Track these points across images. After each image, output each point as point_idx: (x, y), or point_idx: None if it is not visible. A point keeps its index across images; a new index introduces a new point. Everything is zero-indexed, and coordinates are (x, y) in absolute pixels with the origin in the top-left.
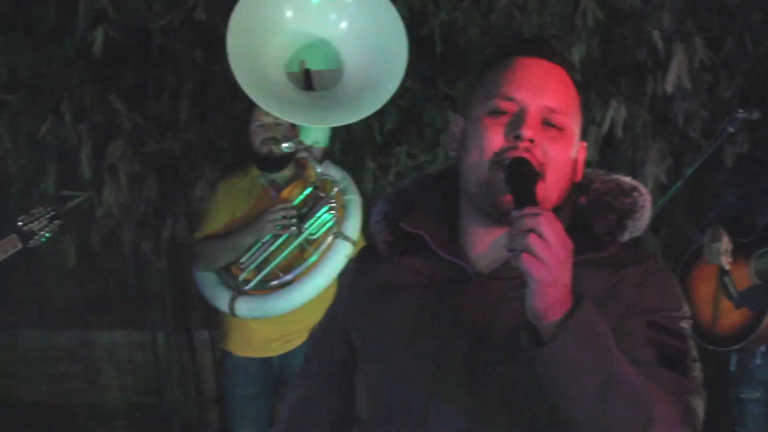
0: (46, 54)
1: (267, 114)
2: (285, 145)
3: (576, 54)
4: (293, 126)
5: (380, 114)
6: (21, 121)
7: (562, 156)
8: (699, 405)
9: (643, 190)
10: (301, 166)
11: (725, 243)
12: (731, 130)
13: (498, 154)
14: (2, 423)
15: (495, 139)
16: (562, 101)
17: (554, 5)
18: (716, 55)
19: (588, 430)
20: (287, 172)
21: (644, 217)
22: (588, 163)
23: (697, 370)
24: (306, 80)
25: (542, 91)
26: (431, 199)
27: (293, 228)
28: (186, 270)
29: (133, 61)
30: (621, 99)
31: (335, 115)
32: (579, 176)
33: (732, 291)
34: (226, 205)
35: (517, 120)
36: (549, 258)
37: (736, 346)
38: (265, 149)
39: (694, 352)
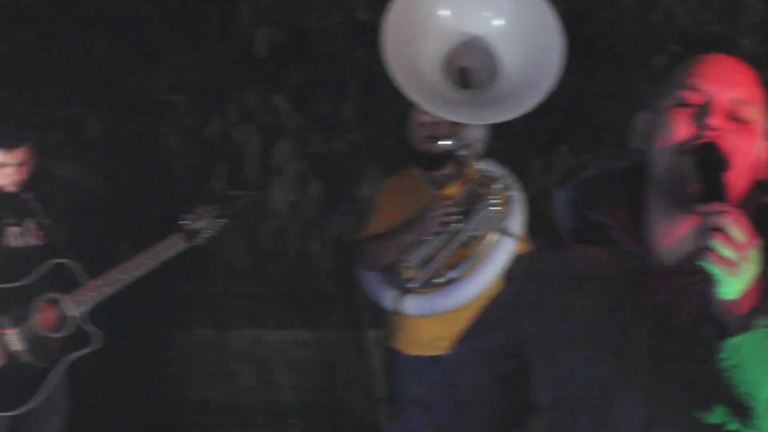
0: (210, 55)
1: (426, 112)
2: (444, 143)
3: (744, 48)
4: (453, 124)
5: (541, 111)
6: (187, 121)
7: (747, 148)
8: None
9: None
10: (461, 164)
11: None
12: None
13: (685, 143)
14: (176, 421)
15: (682, 128)
16: (749, 94)
17: (717, 1)
18: None
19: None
20: (447, 169)
21: None
22: None
23: None
24: (463, 78)
25: (729, 83)
26: (616, 191)
27: (456, 225)
28: (354, 269)
29: (296, 62)
30: None
31: (493, 112)
32: (763, 174)
33: None
34: (389, 204)
35: (704, 110)
36: (736, 255)
37: None
38: (424, 147)
39: None
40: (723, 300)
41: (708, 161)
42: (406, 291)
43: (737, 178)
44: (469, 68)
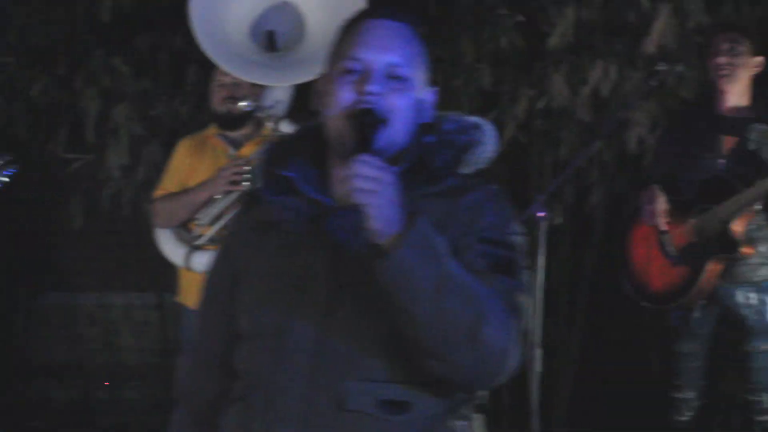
0: (53, 18)
1: (226, 74)
2: (243, 104)
3: (571, 16)
4: (253, 85)
5: None
6: (17, 82)
7: (405, 104)
8: (524, 304)
9: (487, 127)
10: (259, 125)
11: (661, 204)
12: (654, 83)
13: (350, 108)
14: (21, 383)
15: (346, 95)
16: (404, 55)
17: None
18: (713, 17)
19: (428, 327)
20: (245, 130)
21: (483, 150)
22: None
23: (525, 275)
24: (269, 41)
25: (385, 48)
26: (304, 146)
27: (245, 184)
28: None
29: (142, 26)
30: (612, 60)
31: (293, 74)
32: (426, 117)
33: (669, 249)
34: (185, 162)
35: (363, 77)
36: (374, 185)
37: (676, 303)
38: (223, 108)
39: (524, 262)
40: (374, 226)
41: (361, 125)
42: (195, 248)
43: (398, 130)
44: (276, 31)
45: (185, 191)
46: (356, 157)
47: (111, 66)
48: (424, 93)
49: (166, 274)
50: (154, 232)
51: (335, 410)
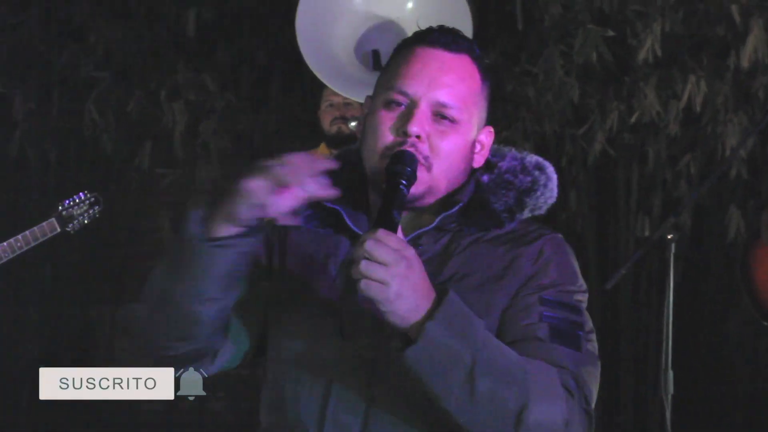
0: (139, 34)
1: (336, 94)
2: (354, 124)
3: (658, 29)
4: (363, 105)
5: None
6: (112, 99)
7: (451, 148)
8: (592, 374)
9: (549, 169)
10: None
11: None
12: None
13: (389, 148)
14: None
15: (386, 132)
16: (456, 95)
17: None
18: None
19: (461, 418)
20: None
21: (545, 195)
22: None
23: (593, 341)
24: (375, 60)
25: (436, 85)
26: (351, 174)
27: None
28: None
29: (225, 41)
30: (701, 74)
31: None
32: (481, 160)
33: None
34: None
35: (407, 115)
36: (386, 277)
37: None
38: (334, 128)
39: (590, 324)
40: (391, 320)
41: (396, 173)
42: None
43: (440, 176)
44: (380, 50)
45: None
46: (372, 230)
47: (197, 80)
48: (480, 134)
49: None
50: None
51: None
